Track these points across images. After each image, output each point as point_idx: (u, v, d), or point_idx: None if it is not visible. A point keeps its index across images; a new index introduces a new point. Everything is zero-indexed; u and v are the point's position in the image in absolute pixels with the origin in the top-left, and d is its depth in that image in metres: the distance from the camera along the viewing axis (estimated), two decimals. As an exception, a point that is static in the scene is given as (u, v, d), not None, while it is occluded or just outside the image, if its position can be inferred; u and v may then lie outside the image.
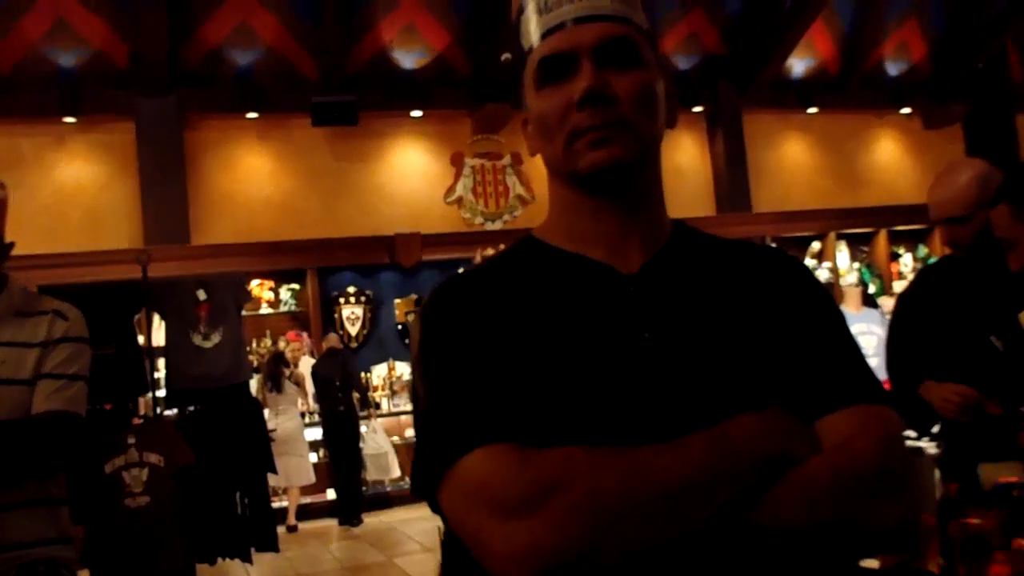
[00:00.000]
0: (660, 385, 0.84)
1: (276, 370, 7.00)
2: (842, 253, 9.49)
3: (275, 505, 6.50)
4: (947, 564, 1.65)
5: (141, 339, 4.83)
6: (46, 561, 1.72)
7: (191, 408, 4.49)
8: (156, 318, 5.04)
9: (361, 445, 7.40)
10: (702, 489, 0.75)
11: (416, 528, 6.55)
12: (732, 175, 9.35)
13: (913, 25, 9.92)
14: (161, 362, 5.36)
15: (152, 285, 4.60)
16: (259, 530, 4.47)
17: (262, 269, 7.79)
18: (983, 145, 9.99)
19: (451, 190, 8.69)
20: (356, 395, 7.32)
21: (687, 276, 0.92)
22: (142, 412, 4.65)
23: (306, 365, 7.45)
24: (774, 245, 8.95)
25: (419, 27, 8.22)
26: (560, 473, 0.75)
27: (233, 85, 7.90)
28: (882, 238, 9.60)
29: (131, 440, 3.84)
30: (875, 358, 5.14)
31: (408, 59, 8.36)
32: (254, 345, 7.72)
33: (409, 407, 7.81)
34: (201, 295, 4.67)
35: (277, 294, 8.09)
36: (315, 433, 7.50)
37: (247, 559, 4.45)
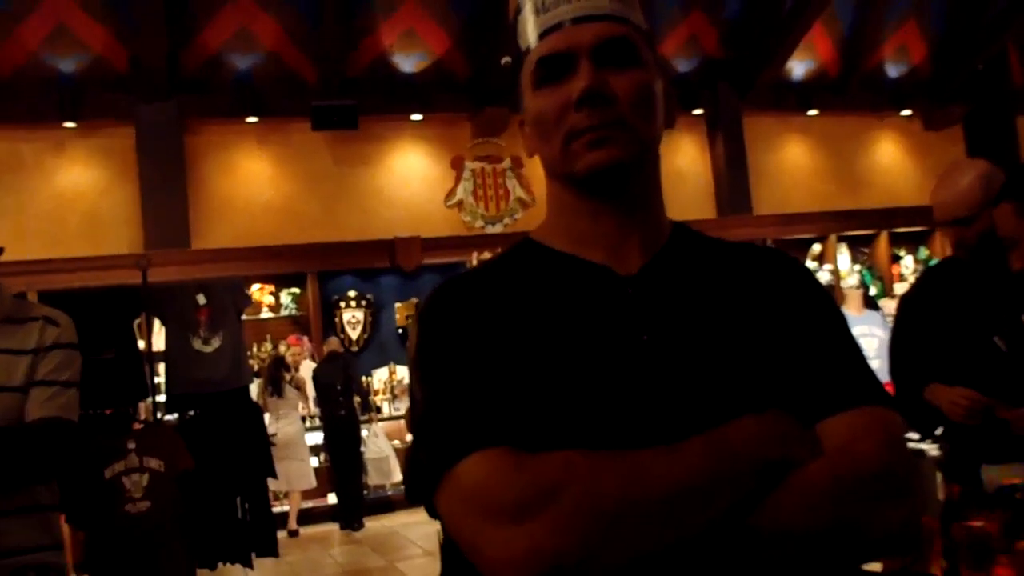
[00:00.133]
0: (659, 388, 0.83)
1: (277, 374, 7.00)
2: (843, 255, 9.48)
3: (276, 510, 6.49)
4: (950, 567, 1.64)
5: (141, 344, 4.82)
6: (37, 567, 1.72)
7: (191, 413, 4.49)
8: (156, 323, 5.03)
9: (362, 449, 7.39)
10: (702, 493, 0.74)
11: (417, 532, 6.53)
12: (732, 177, 9.35)
13: (913, 27, 9.92)
14: (161, 367, 5.35)
15: (152, 290, 4.60)
16: (259, 535, 4.46)
17: (262, 273, 7.79)
18: (984, 146, 9.98)
19: (451, 193, 8.69)
20: (357, 399, 7.31)
21: (686, 278, 0.91)
22: (142, 417, 4.65)
23: (307, 369, 7.45)
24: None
25: (419, 31, 8.23)
26: (558, 477, 0.74)
27: (233, 90, 7.91)
28: (883, 240, 9.59)
29: (131, 445, 3.83)
30: (876, 360, 5.14)
31: (408, 63, 8.36)
32: (255, 349, 7.72)
33: (410, 411, 7.80)
34: (201, 299, 4.66)
35: (277, 298, 8.09)
36: (316, 437, 7.49)
37: (248, 564, 4.44)
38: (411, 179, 8.60)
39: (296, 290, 8.10)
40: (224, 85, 7.89)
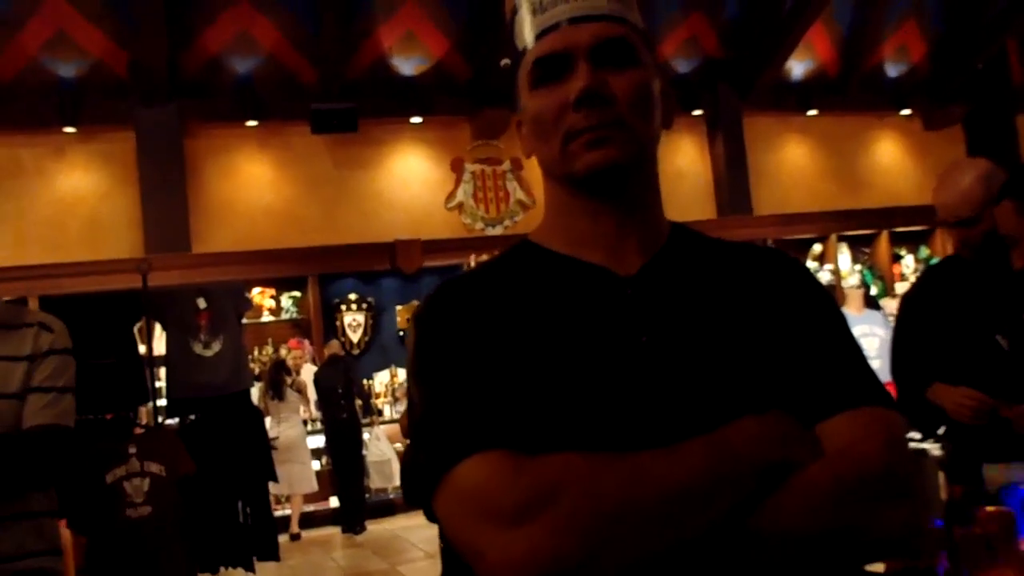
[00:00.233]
0: (658, 389, 0.82)
1: (278, 378, 7.00)
2: (843, 255, 9.48)
3: (278, 513, 6.50)
4: (952, 567, 1.63)
5: (142, 348, 4.82)
6: (33, 572, 1.71)
7: (192, 417, 4.48)
8: (157, 327, 5.03)
9: (364, 452, 7.38)
10: (702, 495, 0.74)
11: (419, 535, 6.52)
12: (733, 178, 9.35)
13: (912, 26, 9.93)
14: (162, 371, 5.35)
15: (152, 294, 4.60)
16: (261, 539, 4.45)
17: (263, 277, 7.79)
18: (983, 146, 9.97)
19: (451, 196, 8.69)
20: (358, 402, 7.31)
21: (686, 278, 0.91)
22: (143, 421, 4.64)
23: (308, 373, 7.45)
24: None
25: (418, 34, 8.24)
26: (557, 480, 0.73)
27: (233, 93, 7.91)
28: (883, 240, 9.59)
29: (132, 450, 3.82)
30: (877, 360, 5.13)
31: (407, 66, 8.37)
32: (256, 353, 7.72)
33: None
34: (201, 304, 4.66)
35: (278, 302, 8.09)
36: (317, 441, 7.49)
37: (249, 568, 4.43)
38: (411, 181, 8.60)
39: (297, 293, 8.10)
40: (224, 89, 7.90)
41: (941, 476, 2.39)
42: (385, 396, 8.15)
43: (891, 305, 7.13)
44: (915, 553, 0.77)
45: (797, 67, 9.63)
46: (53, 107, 7.41)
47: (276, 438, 6.45)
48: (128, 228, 7.68)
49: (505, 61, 0.97)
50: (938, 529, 1.71)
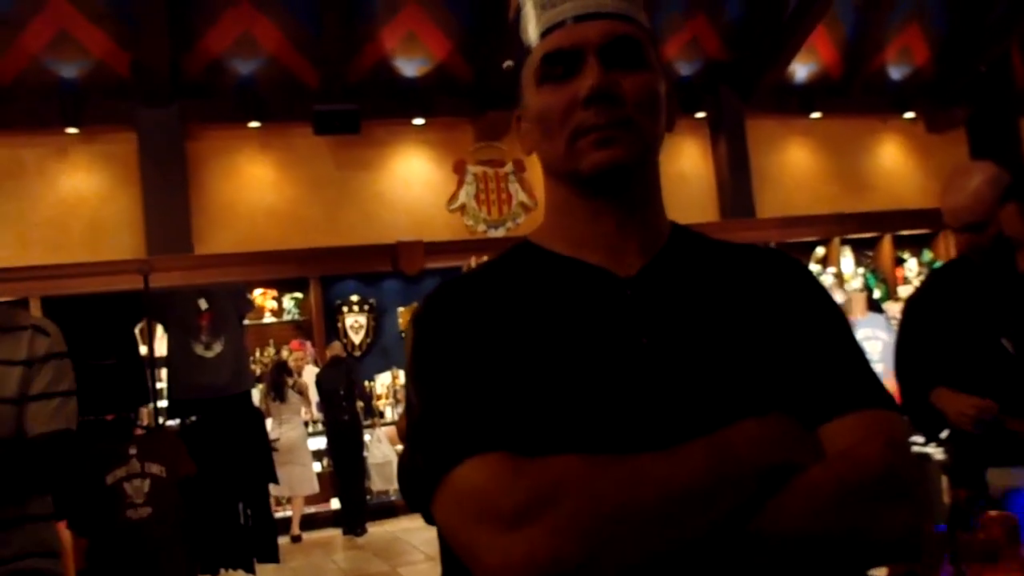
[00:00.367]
0: (659, 391, 0.82)
1: (279, 379, 6.99)
2: (846, 258, 9.46)
3: (279, 515, 6.50)
4: (956, 571, 1.62)
5: (143, 349, 4.82)
6: (29, 572, 1.71)
7: (193, 418, 4.48)
8: (158, 328, 5.03)
9: (365, 454, 7.37)
10: (703, 497, 0.73)
11: (420, 537, 6.51)
12: (735, 181, 9.34)
13: (915, 29, 9.92)
14: (163, 372, 5.35)
15: (154, 295, 4.60)
16: (261, 540, 4.45)
17: (265, 278, 7.79)
18: (986, 149, 9.96)
19: (454, 197, 8.69)
20: (360, 404, 7.31)
21: (686, 279, 0.90)
22: (144, 422, 4.64)
23: (310, 374, 7.44)
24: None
25: (420, 35, 8.24)
26: (557, 482, 0.73)
27: (235, 95, 7.92)
28: (886, 243, 9.58)
29: (132, 451, 3.82)
30: (880, 364, 5.11)
31: (409, 67, 8.37)
32: (257, 354, 7.72)
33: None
34: (202, 305, 4.66)
35: (280, 303, 8.09)
36: (319, 442, 7.49)
37: (250, 569, 4.42)
38: (413, 183, 8.60)
39: (299, 295, 8.10)
40: (226, 90, 7.91)
41: (944, 480, 2.38)
42: (386, 398, 8.14)
43: (894, 308, 7.11)
44: (916, 555, 0.77)
45: (800, 69, 9.62)
46: (55, 108, 7.43)
47: (277, 440, 6.44)
48: (130, 229, 7.69)
49: (508, 63, 0.96)
50: (941, 533, 1.71)
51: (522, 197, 8.85)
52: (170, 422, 4.84)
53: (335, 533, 7.20)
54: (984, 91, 10.11)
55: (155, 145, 7.63)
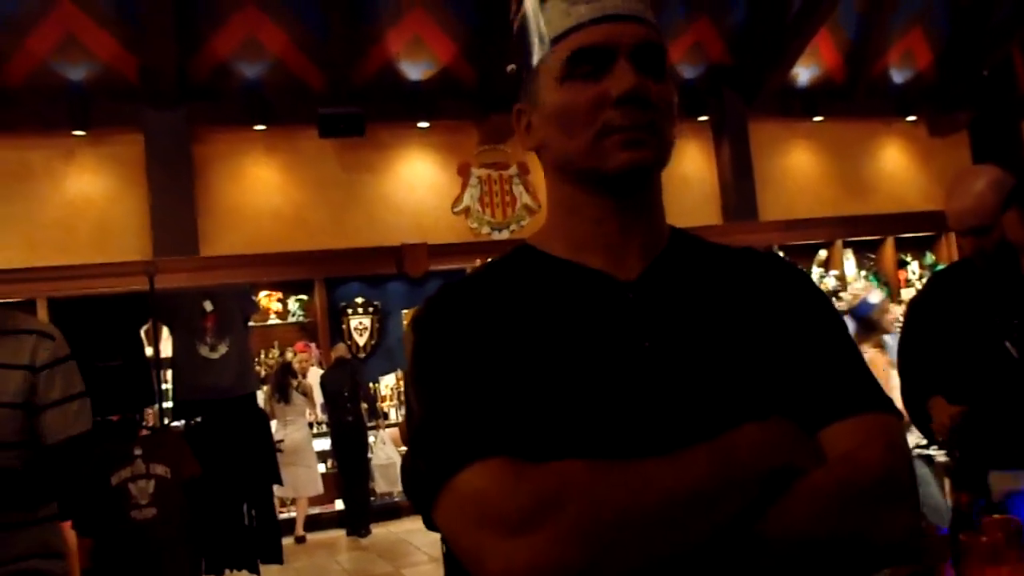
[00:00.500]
0: (661, 395, 0.82)
1: (284, 381, 7.01)
2: (849, 261, 9.46)
3: (283, 516, 6.50)
4: (958, 575, 1.63)
5: (149, 350, 4.84)
6: (32, 573, 1.72)
7: (197, 419, 4.49)
8: (164, 330, 5.05)
9: (369, 456, 7.39)
10: (706, 502, 0.74)
11: (424, 539, 6.52)
12: (738, 184, 9.35)
13: (918, 33, 9.92)
14: (168, 373, 5.36)
15: (159, 297, 4.62)
16: (265, 541, 4.46)
17: (270, 280, 7.82)
18: (989, 152, 9.95)
19: (458, 200, 8.71)
20: (364, 405, 7.32)
21: (686, 283, 0.90)
22: (149, 423, 4.65)
23: (315, 376, 7.46)
24: (780, 253, 8.80)
25: (425, 39, 8.27)
26: (560, 488, 0.73)
27: (241, 98, 7.95)
28: (889, 246, 9.58)
29: (137, 452, 3.83)
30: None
31: (414, 71, 8.40)
32: (262, 356, 7.74)
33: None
34: (207, 306, 4.67)
35: (285, 305, 8.11)
36: (323, 443, 7.50)
37: (254, 570, 4.44)
38: (418, 186, 8.62)
39: (304, 297, 8.12)
40: (232, 93, 7.94)
41: (947, 483, 2.38)
42: (391, 399, 8.16)
43: (897, 311, 7.11)
44: (916, 557, 0.78)
45: (803, 73, 9.63)
46: (63, 111, 7.46)
47: (282, 441, 6.45)
48: (136, 231, 7.71)
49: (511, 67, 0.95)
50: (943, 536, 1.71)
51: (526, 200, 8.86)
52: (175, 423, 4.85)
53: (339, 534, 7.21)
54: (987, 94, 10.10)
55: (162, 148, 7.66)
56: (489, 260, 0.96)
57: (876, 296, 4.19)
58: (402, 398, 8.15)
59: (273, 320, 8.00)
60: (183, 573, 3.88)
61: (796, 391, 0.84)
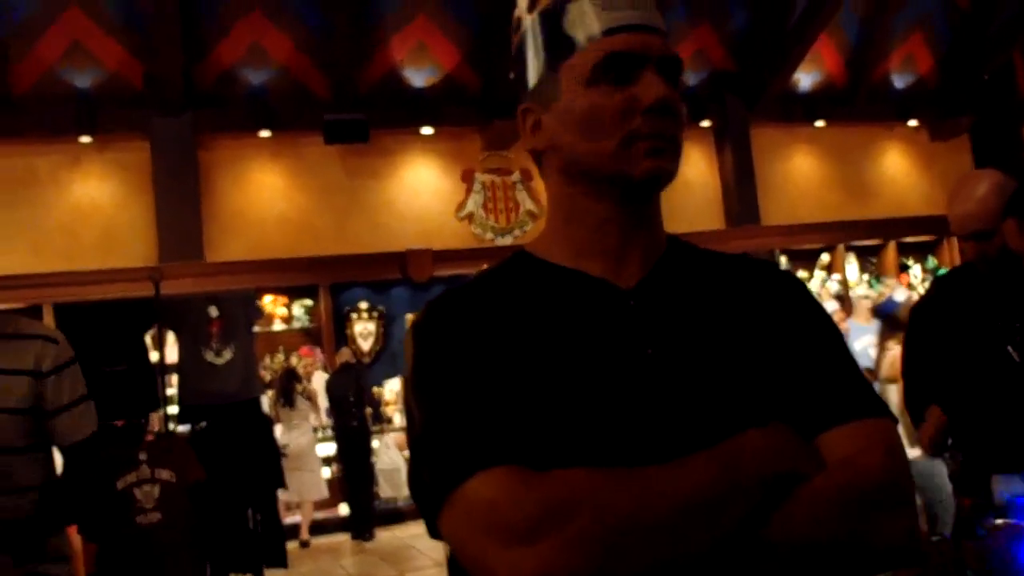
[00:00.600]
0: (664, 402, 0.83)
1: (288, 386, 7.02)
2: (851, 265, 9.46)
3: (288, 520, 6.51)
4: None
5: (154, 356, 4.86)
6: None
7: (202, 424, 4.51)
8: (169, 335, 5.07)
9: (374, 460, 7.39)
10: (712, 508, 0.74)
11: (428, 543, 6.52)
12: (740, 188, 9.35)
13: (919, 37, 9.93)
14: (173, 378, 5.38)
15: (164, 302, 4.64)
16: (269, 546, 4.47)
17: (275, 285, 7.83)
18: (990, 157, 9.95)
19: (462, 206, 8.73)
20: (369, 410, 7.33)
21: (685, 290, 0.91)
22: (154, 428, 4.67)
23: (319, 380, 7.47)
24: (783, 257, 8.74)
25: (429, 46, 8.29)
26: (568, 496, 0.73)
27: (246, 104, 7.98)
28: (891, 250, 9.58)
29: (142, 456, 3.84)
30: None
31: (418, 77, 8.42)
32: (267, 361, 7.75)
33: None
34: (213, 312, 4.70)
35: (290, 310, 8.13)
36: (328, 448, 7.51)
37: (259, 575, 4.45)
38: (422, 192, 8.64)
39: (308, 302, 8.14)
40: (238, 100, 7.97)
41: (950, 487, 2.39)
42: (395, 404, 8.16)
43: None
44: (918, 560, 0.79)
45: (804, 78, 9.64)
46: (69, 117, 7.49)
47: (286, 445, 6.47)
48: (142, 237, 7.73)
49: (514, 74, 0.96)
50: (947, 541, 1.72)
51: (529, 205, 8.88)
52: (180, 428, 4.87)
53: (344, 538, 7.21)
54: (988, 99, 10.11)
55: (167, 154, 7.69)
56: (486, 267, 0.96)
57: (901, 294, 4.20)
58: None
59: (278, 325, 8.02)
60: (188, 577, 3.89)
61: (794, 397, 0.85)
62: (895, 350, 3.85)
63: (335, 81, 8.06)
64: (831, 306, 7.56)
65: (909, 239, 9.62)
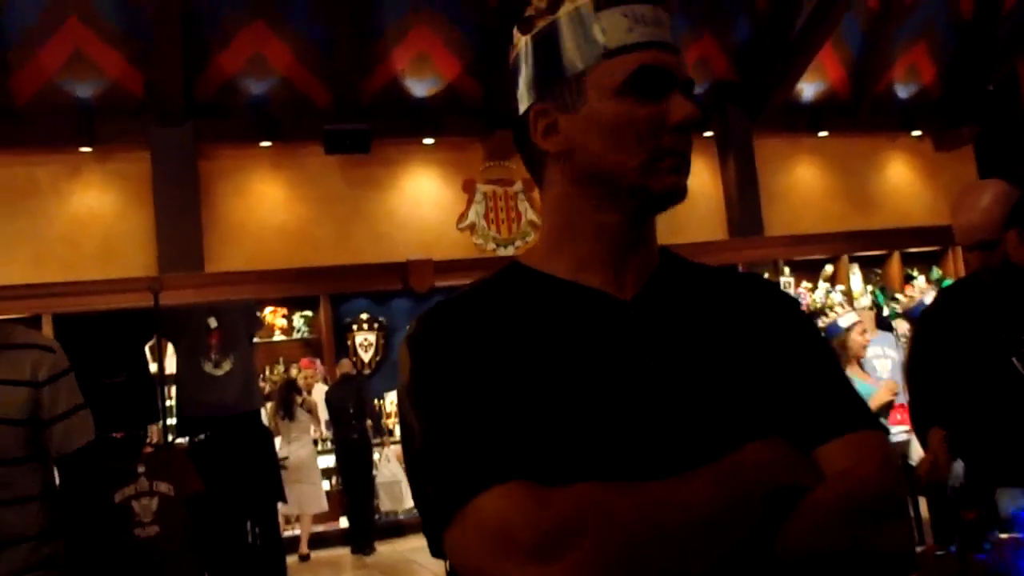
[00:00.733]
0: (668, 414, 0.83)
1: (288, 397, 7.00)
2: (855, 276, 9.44)
3: (287, 533, 6.48)
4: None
5: (153, 367, 4.84)
6: None
7: (201, 436, 4.49)
8: (168, 346, 5.05)
9: (374, 473, 7.36)
10: (719, 523, 0.75)
11: (428, 557, 6.46)
12: (744, 199, 9.35)
13: (922, 48, 9.94)
14: (172, 390, 5.37)
15: (164, 313, 4.63)
16: (269, 559, 4.44)
17: (275, 296, 7.83)
18: (994, 167, 9.94)
19: (463, 216, 8.72)
20: (369, 422, 7.30)
21: (680, 302, 0.91)
22: (153, 440, 4.66)
23: (319, 392, 7.45)
24: (787, 269, 8.73)
25: (431, 56, 8.32)
26: (581, 513, 0.73)
27: (247, 114, 8.00)
28: (895, 260, 9.55)
29: (141, 469, 3.82)
30: (890, 380, 5.06)
31: (420, 87, 8.44)
32: (267, 372, 7.74)
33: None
34: (212, 323, 4.69)
35: (290, 321, 8.12)
36: (328, 460, 7.48)
37: (257, 588, 4.42)
38: (423, 202, 8.64)
39: (309, 313, 8.12)
40: (238, 110, 7.98)
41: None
42: (396, 416, 8.13)
43: (903, 326, 7.08)
44: (915, 567, 0.82)
45: (807, 89, 9.64)
46: (70, 127, 7.51)
47: (286, 458, 6.44)
48: (142, 247, 7.74)
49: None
50: (951, 554, 1.70)
51: (531, 216, 8.87)
52: (179, 440, 4.85)
53: (343, 552, 7.17)
54: (992, 109, 10.10)
55: (168, 164, 7.70)
56: (481, 278, 0.94)
57: (848, 319, 4.15)
58: (407, 414, 8.11)
59: (278, 336, 8.01)
60: (186, 591, 3.86)
61: (790, 410, 0.86)
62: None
63: (336, 91, 8.08)
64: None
65: (913, 250, 9.60)
